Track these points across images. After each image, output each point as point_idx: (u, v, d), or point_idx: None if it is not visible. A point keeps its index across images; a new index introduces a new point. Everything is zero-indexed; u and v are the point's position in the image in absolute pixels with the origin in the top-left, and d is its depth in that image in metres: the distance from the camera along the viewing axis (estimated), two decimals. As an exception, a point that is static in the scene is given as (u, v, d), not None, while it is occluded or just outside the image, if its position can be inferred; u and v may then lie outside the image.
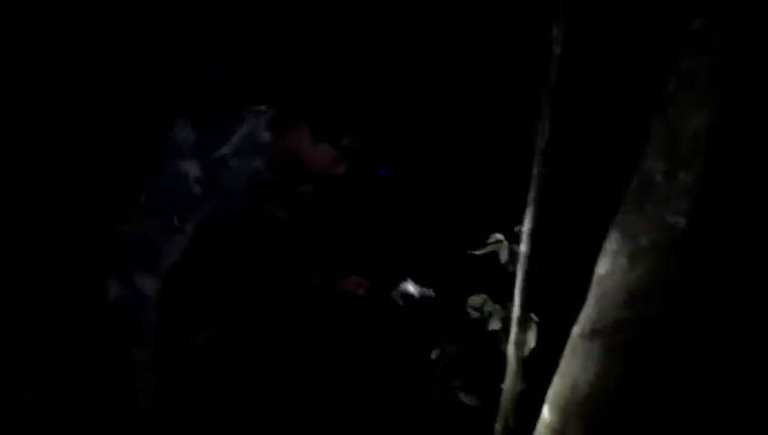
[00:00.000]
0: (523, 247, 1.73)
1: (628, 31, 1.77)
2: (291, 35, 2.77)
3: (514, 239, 2.06)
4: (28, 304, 2.83)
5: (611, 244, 1.60)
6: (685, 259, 1.54)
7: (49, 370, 2.75)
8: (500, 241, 2.13)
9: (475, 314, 2.14)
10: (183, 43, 2.75)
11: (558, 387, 1.66)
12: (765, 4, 1.45)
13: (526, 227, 1.72)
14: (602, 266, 1.61)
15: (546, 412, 1.70)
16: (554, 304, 1.93)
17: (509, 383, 1.79)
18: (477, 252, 2.12)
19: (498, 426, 1.81)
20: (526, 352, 1.79)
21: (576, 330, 1.64)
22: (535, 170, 1.71)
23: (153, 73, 2.73)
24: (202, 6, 2.79)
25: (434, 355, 2.21)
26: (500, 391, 1.81)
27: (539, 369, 1.85)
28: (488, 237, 2.70)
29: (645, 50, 1.67)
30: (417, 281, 2.35)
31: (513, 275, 1.76)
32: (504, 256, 2.08)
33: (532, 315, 1.91)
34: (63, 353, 2.76)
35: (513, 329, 1.75)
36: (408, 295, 2.31)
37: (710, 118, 1.48)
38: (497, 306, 2.17)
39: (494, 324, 2.15)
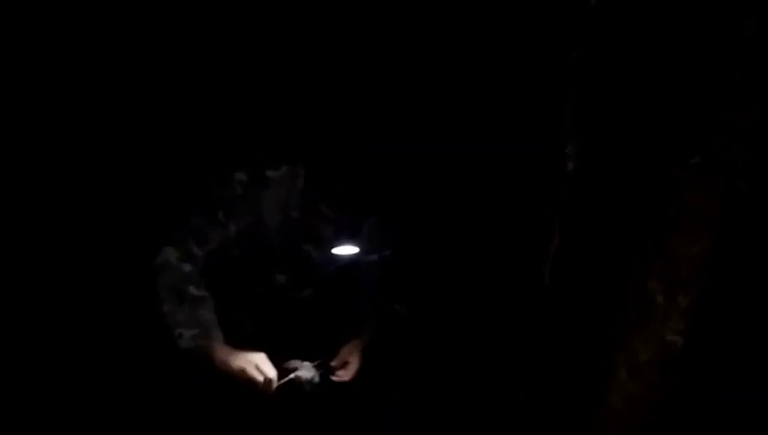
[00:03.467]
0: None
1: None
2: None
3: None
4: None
5: (614, 358, 1.71)
6: (681, 374, 1.65)
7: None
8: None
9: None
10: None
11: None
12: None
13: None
14: (607, 380, 1.72)
15: None
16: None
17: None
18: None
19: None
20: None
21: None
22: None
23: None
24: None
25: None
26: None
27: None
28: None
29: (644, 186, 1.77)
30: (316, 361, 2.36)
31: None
32: None
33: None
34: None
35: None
36: (300, 382, 2.32)
37: (709, 245, 1.60)
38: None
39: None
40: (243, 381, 2.22)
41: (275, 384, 2.24)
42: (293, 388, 2.36)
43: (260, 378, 2.19)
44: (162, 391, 2.63)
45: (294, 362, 2.37)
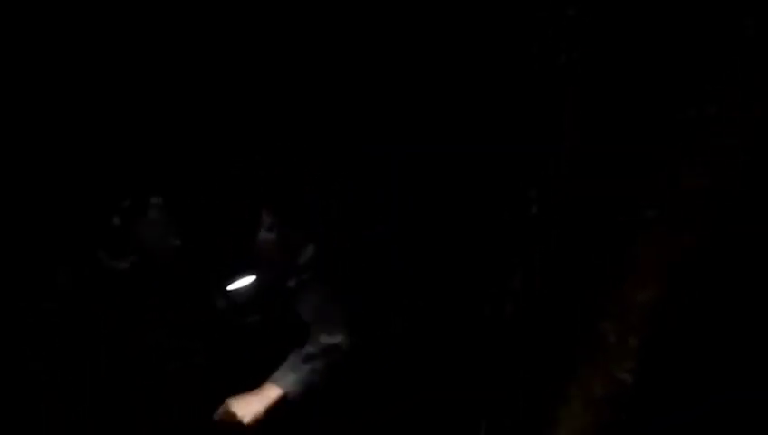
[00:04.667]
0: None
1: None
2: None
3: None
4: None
5: (570, 388, 1.77)
6: (631, 409, 1.71)
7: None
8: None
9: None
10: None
11: None
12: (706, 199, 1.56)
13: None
14: (566, 409, 1.79)
15: None
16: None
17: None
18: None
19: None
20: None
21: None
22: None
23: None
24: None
25: None
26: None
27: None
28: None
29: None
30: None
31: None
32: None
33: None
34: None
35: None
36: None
37: (654, 294, 1.62)
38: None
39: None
40: None
41: None
42: None
43: None
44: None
45: None
